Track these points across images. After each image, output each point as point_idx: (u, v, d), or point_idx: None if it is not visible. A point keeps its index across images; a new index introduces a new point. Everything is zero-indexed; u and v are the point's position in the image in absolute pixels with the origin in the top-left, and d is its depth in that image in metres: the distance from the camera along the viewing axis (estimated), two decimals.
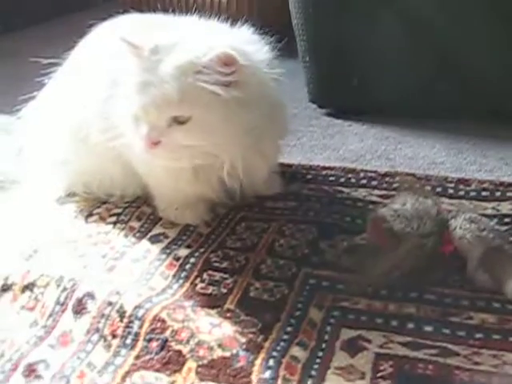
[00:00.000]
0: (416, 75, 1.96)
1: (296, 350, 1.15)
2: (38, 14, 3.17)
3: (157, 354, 1.17)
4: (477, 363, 1.10)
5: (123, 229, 1.52)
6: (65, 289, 1.32)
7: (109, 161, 1.54)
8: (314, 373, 1.10)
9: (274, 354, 1.14)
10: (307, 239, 1.43)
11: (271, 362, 1.12)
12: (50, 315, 1.29)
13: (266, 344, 1.16)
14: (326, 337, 1.17)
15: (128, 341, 1.20)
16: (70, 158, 1.61)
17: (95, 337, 1.23)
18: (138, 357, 1.17)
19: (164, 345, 1.18)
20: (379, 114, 2.04)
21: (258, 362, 1.13)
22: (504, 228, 1.39)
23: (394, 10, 1.89)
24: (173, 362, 1.15)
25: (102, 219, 1.57)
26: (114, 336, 1.21)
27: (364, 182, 1.65)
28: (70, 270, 1.37)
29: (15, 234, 1.54)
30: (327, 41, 2.05)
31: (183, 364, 1.14)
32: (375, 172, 1.69)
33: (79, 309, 1.27)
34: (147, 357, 1.17)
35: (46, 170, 1.68)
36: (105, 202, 1.63)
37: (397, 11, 1.89)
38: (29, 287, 1.36)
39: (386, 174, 1.67)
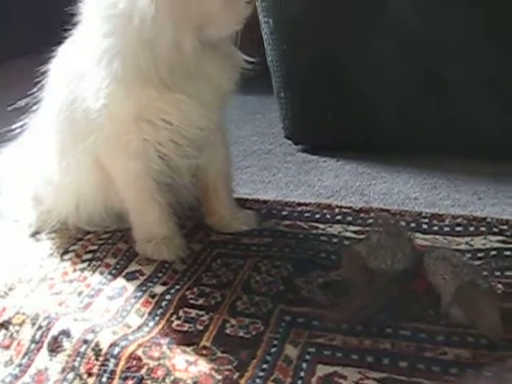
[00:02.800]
0: (389, 110, 1.97)
1: None
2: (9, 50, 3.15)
3: None
4: None
5: (99, 266, 1.52)
6: (40, 327, 1.32)
7: (86, 183, 1.55)
8: None
9: None
10: (282, 275, 1.43)
11: None
12: (26, 353, 1.29)
13: (242, 381, 1.16)
14: (302, 373, 1.17)
15: (104, 379, 1.20)
16: (46, 192, 1.61)
17: (71, 375, 1.22)
18: None
19: (140, 383, 1.17)
20: (354, 150, 2.05)
21: None
22: (477, 263, 1.40)
23: (367, 49, 1.90)
24: None
25: (78, 256, 1.57)
26: (90, 374, 1.21)
27: (339, 217, 1.66)
28: (45, 308, 1.36)
29: None
30: (301, 77, 2.06)
31: None
32: (350, 208, 1.70)
33: (55, 347, 1.27)
34: None
35: (21, 206, 1.67)
36: (80, 239, 1.63)
37: (370, 50, 1.90)
38: (4, 325, 1.35)
39: (360, 210, 1.68)
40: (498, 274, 1.37)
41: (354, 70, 1.97)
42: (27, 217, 1.69)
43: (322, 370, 1.18)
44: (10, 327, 1.34)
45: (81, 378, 1.21)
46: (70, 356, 1.25)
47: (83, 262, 1.55)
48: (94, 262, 1.54)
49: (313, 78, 2.04)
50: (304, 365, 1.19)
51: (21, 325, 1.34)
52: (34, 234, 1.68)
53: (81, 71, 1.43)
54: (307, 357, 1.21)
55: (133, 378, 1.18)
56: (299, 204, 1.74)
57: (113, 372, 1.20)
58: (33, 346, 1.29)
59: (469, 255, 1.43)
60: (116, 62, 1.34)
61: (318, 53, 2.00)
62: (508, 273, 1.37)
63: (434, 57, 1.85)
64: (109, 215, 1.62)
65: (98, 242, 1.61)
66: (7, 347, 1.31)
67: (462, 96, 1.86)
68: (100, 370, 1.21)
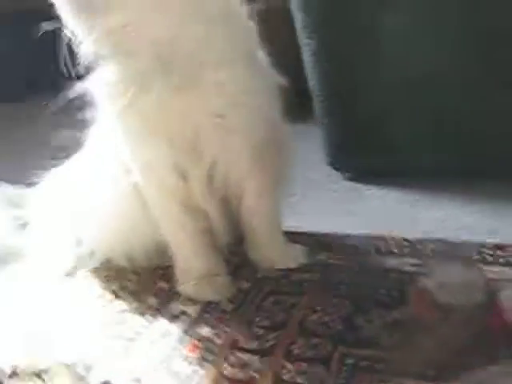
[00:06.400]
0: (437, 136, 1.85)
1: None
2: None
3: None
4: None
5: (139, 307, 1.40)
6: (79, 377, 1.19)
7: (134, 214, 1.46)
8: None
9: None
10: (341, 314, 1.30)
11: None
12: None
13: None
14: None
15: None
16: (89, 233, 1.54)
17: None
18: None
19: None
20: (399, 176, 1.93)
21: None
22: None
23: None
24: None
25: (116, 297, 1.44)
26: None
27: (395, 250, 1.53)
28: (83, 355, 1.24)
29: (20, 314, 1.42)
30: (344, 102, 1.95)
31: None
32: (405, 240, 1.57)
33: None
34: None
35: (55, 244, 1.56)
36: (118, 278, 1.51)
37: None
38: (38, 375, 1.23)
39: (416, 241, 1.55)
40: None
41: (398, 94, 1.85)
42: (61, 257, 1.57)
43: None
44: (45, 377, 1.22)
45: None
46: None
47: (122, 302, 1.42)
48: (134, 304, 1.41)
49: (355, 105, 1.92)
50: None
51: (57, 374, 1.22)
52: (68, 273, 1.56)
53: None
54: None
55: None
56: (349, 236, 1.60)
57: None
58: None
59: None
60: None
61: (362, 76, 1.88)
62: None
63: None
64: (154, 251, 1.51)
65: (137, 281, 1.49)
66: None
67: None
68: None
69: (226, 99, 1.29)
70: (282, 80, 1.39)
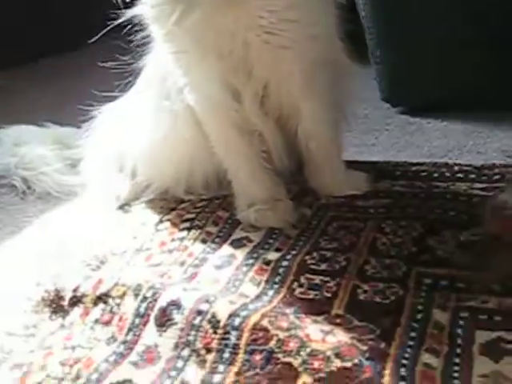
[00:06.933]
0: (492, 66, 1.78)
1: (427, 358, 0.96)
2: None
3: (262, 368, 0.99)
4: None
5: (200, 234, 1.35)
6: (144, 298, 1.15)
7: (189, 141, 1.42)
8: (456, 382, 0.91)
9: (404, 362, 0.96)
10: (412, 236, 1.24)
11: (403, 372, 0.94)
12: (130, 329, 1.13)
13: (391, 351, 0.98)
14: (459, 341, 0.99)
15: (226, 354, 1.03)
16: (143, 164, 1.50)
17: (186, 352, 1.06)
18: (239, 373, 1.00)
19: (270, 357, 1.00)
20: (458, 110, 1.85)
21: (387, 371, 0.94)
22: None
23: None
24: (283, 378, 0.97)
25: (175, 225, 1.40)
26: (209, 350, 1.04)
27: (460, 175, 1.46)
28: (147, 279, 1.19)
29: (79, 246, 1.37)
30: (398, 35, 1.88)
31: (296, 378, 0.96)
32: (470, 166, 1.50)
33: (164, 320, 1.10)
34: (251, 372, 0.99)
35: (109, 177, 1.52)
36: (174, 209, 1.47)
37: None
38: (102, 299, 1.19)
39: (482, 167, 1.48)
40: None
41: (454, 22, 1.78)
42: (116, 188, 1.54)
43: (482, 337, 0.98)
44: (110, 300, 1.19)
45: (198, 355, 1.04)
46: (182, 330, 1.08)
47: (181, 230, 1.38)
48: (193, 231, 1.37)
49: (411, 36, 1.85)
50: (459, 331, 1.00)
51: (121, 297, 1.18)
52: (123, 205, 1.51)
53: None
54: (461, 322, 1.02)
55: (261, 351, 1.01)
56: (413, 164, 1.54)
57: (236, 346, 1.03)
58: (137, 320, 1.13)
59: None
60: None
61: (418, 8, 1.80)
62: None
63: None
64: (213, 180, 1.48)
65: (195, 211, 1.45)
66: (108, 323, 1.16)
67: None
68: (220, 344, 1.04)
69: (275, 15, 1.23)
70: None
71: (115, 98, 1.55)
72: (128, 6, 1.31)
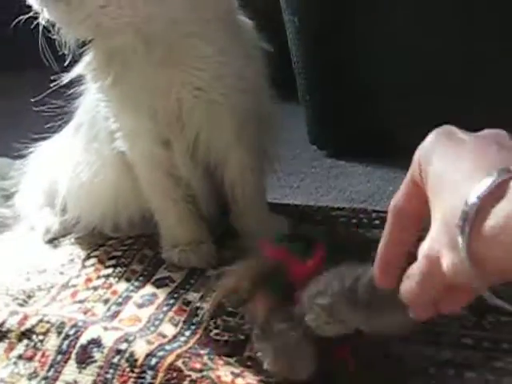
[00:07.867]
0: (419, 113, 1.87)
1: None
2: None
3: None
4: None
5: (124, 272, 1.41)
6: (67, 336, 1.20)
7: (120, 183, 1.47)
8: None
9: None
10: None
11: None
12: (52, 365, 1.17)
13: None
14: None
15: None
16: (73, 200, 1.54)
17: None
18: None
19: None
20: (382, 155, 1.94)
21: None
22: None
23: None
24: None
25: (101, 262, 1.46)
26: None
27: (377, 222, 1.54)
28: (71, 316, 1.25)
29: (6, 280, 1.42)
30: (327, 79, 1.96)
31: None
32: (387, 212, 1.58)
33: (84, 358, 1.15)
34: None
35: (39, 211, 1.57)
36: (102, 245, 1.52)
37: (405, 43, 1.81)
38: (26, 334, 1.23)
39: None
40: None
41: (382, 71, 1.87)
42: (47, 224, 1.58)
43: None
44: (33, 337, 1.23)
45: None
46: (101, 368, 1.13)
47: (107, 267, 1.44)
48: (118, 269, 1.43)
49: (339, 81, 1.93)
50: None
51: (45, 334, 1.22)
52: (51, 240, 1.56)
53: None
54: None
55: None
56: (333, 209, 1.62)
57: None
58: (59, 357, 1.18)
59: None
60: None
61: (346, 54, 1.90)
62: None
63: None
64: (138, 219, 1.52)
65: (122, 248, 1.51)
66: (30, 358, 1.20)
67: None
68: (136, 382, 1.09)
69: (206, 72, 1.30)
70: (267, 46, 1.40)
71: (49, 137, 1.59)
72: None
